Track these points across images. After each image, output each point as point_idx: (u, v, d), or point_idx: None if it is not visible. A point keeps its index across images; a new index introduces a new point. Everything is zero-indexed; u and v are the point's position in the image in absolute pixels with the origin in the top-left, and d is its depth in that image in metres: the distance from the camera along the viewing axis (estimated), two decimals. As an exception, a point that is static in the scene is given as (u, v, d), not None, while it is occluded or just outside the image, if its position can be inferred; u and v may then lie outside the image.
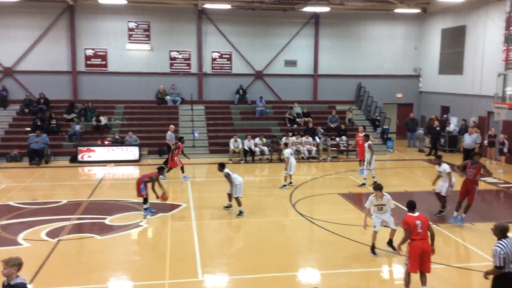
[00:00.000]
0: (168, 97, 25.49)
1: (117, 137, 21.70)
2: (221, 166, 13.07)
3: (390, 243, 10.27)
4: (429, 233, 8.16)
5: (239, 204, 12.85)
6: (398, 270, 9.63)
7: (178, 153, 17.62)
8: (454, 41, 24.85)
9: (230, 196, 13.08)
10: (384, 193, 10.09)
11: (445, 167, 12.68)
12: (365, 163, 16.27)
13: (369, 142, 16.38)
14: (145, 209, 12.95)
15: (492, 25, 21.70)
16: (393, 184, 16.59)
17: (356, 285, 8.84)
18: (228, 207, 13.27)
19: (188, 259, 9.94)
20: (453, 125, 24.22)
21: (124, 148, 21.13)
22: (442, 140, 23.76)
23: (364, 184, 16.30)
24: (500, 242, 6.66)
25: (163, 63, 25.91)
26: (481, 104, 22.32)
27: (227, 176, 12.79)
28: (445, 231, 11.67)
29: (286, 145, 17.22)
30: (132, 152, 21.09)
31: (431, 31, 27.06)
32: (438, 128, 23.41)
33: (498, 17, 21.21)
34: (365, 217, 10.23)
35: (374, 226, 10.12)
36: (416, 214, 8.32)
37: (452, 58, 25.04)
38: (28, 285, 5.90)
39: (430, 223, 8.46)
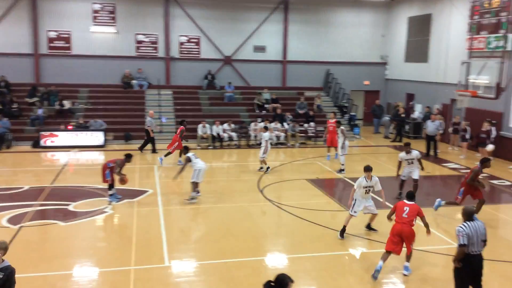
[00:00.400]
0: (134, 81, 25.00)
1: (81, 121, 21.18)
2: (185, 149, 13.20)
3: (369, 226, 10.84)
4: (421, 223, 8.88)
5: (193, 188, 12.73)
6: (364, 254, 9.82)
7: (183, 136, 17.53)
8: (420, 29, 25.25)
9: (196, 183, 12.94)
10: (373, 176, 10.38)
11: (416, 153, 12.93)
12: (339, 148, 16.48)
13: (342, 127, 16.66)
14: (110, 195, 12.72)
15: (457, 14, 22.13)
16: (359, 170, 16.69)
17: (322, 268, 8.96)
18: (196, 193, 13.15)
19: (154, 245, 9.84)
20: (417, 112, 24.72)
21: (89, 133, 20.65)
22: (407, 127, 24.25)
23: (343, 170, 16.47)
24: (464, 223, 6.96)
25: (129, 46, 25.35)
26: (445, 91, 22.84)
27: (187, 159, 12.69)
28: (408, 215, 11.94)
29: (266, 128, 17.23)
30: (97, 137, 20.64)
31: (397, 19, 27.40)
32: (403, 115, 23.88)
33: (463, 6, 21.62)
34: (351, 196, 10.41)
35: (355, 212, 10.28)
36: (410, 202, 8.82)
37: (418, 46, 25.46)
38: None
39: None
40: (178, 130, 17.61)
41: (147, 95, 24.61)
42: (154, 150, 19.56)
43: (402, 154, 13.00)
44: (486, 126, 18.32)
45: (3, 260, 5.73)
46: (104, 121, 21.47)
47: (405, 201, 8.88)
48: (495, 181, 15.79)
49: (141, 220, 11.40)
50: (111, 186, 12.70)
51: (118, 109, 23.57)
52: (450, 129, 20.88)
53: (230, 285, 8.25)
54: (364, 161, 18.65)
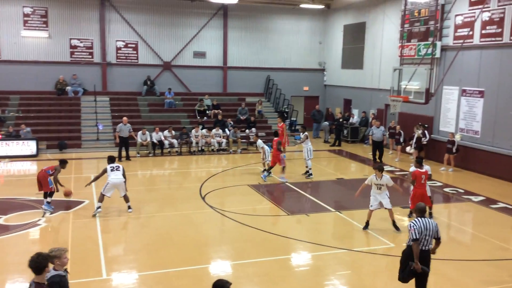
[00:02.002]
0: (68, 88, 24.09)
1: (11, 130, 20.08)
2: (110, 160, 12.43)
3: (394, 224, 11.30)
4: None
5: (99, 199, 12.07)
6: (306, 257, 9.96)
7: (285, 146, 17.12)
8: (355, 37, 26.12)
9: (126, 198, 12.43)
10: (384, 174, 11.15)
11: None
12: (304, 153, 16.72)
13: (306, 133, 17.01)
14: (48, 202, 12.15)
15: (389, 22, 23.10)
16: (301, 175, 17.12)
17: (265, 273, 8.97)
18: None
19: (91, 257, 9.47)
20: (356, 117, 25.52)
21: (20, 142, 19.61)
22: (345, 132, 24.96)
23: (309, 172, 16.64)
24: (415, 219, 7.33)
25: (63, 51, 24.40)
26: (379, 97, 23.74)
27: (104, 170, 12.30)
28: (345, 217, 12.25)
29: (257, 135, 18.09)
30: (29, 147, 19.63)
31: (334, 27, 28.20)
32: (341, 120, 24.56)
33: (394, 15, 22.62)
34: (360, 188, 11.46)
35: (371, 206, 11.27)
36: (423, 169, 11.43)
37: (354, 53, 26.31)
38: None
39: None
40: (274, 143, 16.37)
41: (83, 102, 23.77)
42: (120, 158, 18.78)
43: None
44: (419, 128, 19.24)
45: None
46: (37, 130, 20.51)
47: (419, 169, 11.38)
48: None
49: (77, 232, 10.94)
50: (51, 194, 12.21)
51: (51, 116, 22.63)
52: (387, 134, 21.66)
53: (172, 295, 8.07)
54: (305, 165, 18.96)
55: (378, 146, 20.11)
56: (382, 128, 20.42)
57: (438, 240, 7.37)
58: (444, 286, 8.61)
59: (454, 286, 8.67)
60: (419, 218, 7.32)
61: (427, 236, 7.20)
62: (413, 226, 7.19)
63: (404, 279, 7.43)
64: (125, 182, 12.20)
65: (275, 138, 16.67)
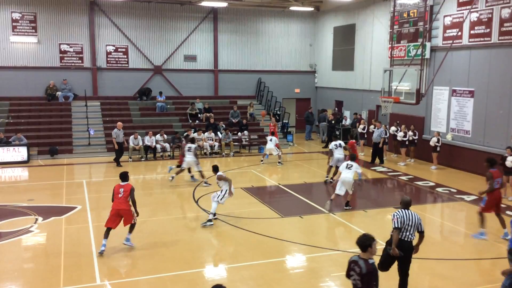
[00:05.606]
0: (59, 93, 23.93)
1: (2, 136, 19.89)
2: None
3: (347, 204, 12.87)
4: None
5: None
6: (300, 259, 9.95)
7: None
8: (345, 39, 26.22)
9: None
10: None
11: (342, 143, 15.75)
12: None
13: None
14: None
15: (378, 24, 23.23)
16: (294, 177, 17.14)
17: (259, 276, 8.95)
18: None
19: (84, 263, 9.39)
20: (348, 119, 25.55)
21: (11, 148, 19.41)
22: (337, 132, 25.01)
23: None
24: (399, 210, 7.56)
25: (52, 56, 24.25)
26: (370, 98, 23.84)
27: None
28: (339, 218, 12.28)
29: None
30: (20, 153, 19.45)
31: (324, 29, 28.30)
32: (333, 122, 24.63)
33: (384, 16, 22.75)
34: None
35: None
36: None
37: (344, 55, 26.41)
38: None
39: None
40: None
41: (73, 107, 23.62)
42: (118, 163, 18.72)
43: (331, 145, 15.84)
44: (405, 129, 19.50)
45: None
46: (27, 136, 20.31)
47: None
48: (420, 183, 16.63)
49: (69, 238, 10.85)
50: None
51: (42, 122, 22.45)
52: (384, 135, 21.53)
53: (167, 300, 8.02)
54: (297, 167, 19.02)
55: (375, 148, 20.00)
56: (380, 129, 20.05)
57: (421, 234, 7.57)
58: (439, 286, 8.63)
59: (449, 285, 8.70)
60: (402, 210, 7.55)
61: (409, 227, 7.40)
62: (396, 215, 7.47)
63: (381, 264, 7.52)
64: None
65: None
